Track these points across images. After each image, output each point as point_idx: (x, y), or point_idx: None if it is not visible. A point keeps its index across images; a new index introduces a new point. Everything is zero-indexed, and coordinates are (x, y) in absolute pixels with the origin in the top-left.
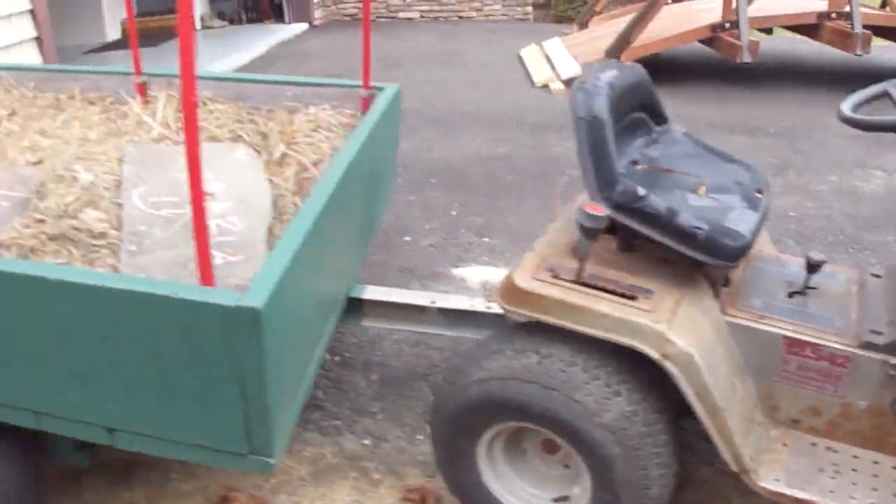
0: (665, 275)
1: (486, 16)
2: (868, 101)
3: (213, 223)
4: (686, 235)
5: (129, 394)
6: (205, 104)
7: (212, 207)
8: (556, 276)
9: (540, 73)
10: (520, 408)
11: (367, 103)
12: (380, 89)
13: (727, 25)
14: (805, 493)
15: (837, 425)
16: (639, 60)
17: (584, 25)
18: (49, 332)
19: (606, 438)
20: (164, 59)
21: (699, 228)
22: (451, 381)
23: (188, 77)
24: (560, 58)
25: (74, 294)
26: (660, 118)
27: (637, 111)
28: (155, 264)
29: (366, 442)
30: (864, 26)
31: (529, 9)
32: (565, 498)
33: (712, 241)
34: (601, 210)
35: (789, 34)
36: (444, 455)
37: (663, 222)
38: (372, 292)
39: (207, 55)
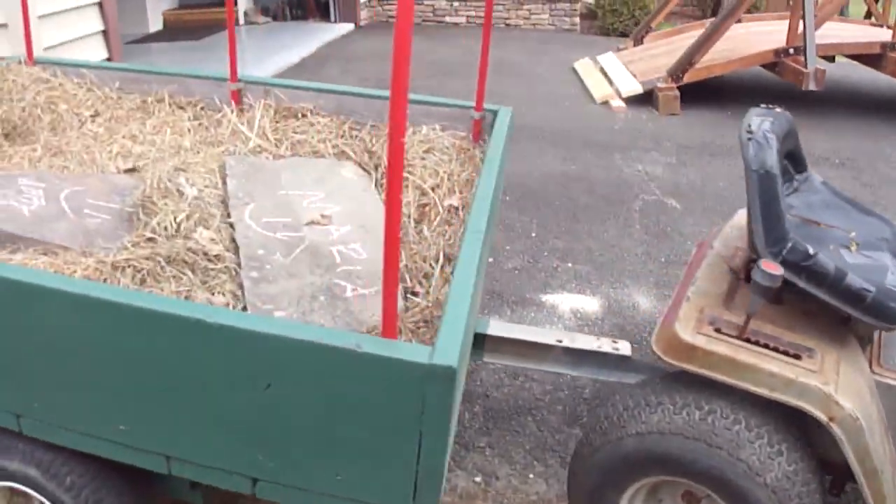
0: (819, 330)
1: (532, 24)
2: None
3: (334, 249)
4: (855, 297)
5: (285, 445)
6: (304, 116)
7: (331, 232)
8: (718, 331)
9: (599, 88)
10: (682, 464)
11: (478, 125)
12: (493, 112)
13: (791, 51)
14: None
15: None
16: (702, 82)
17: (638, 41)
18: (198, 376)
19: (768, 498)
20: (209, 53)
21: (868, 290)
22: (602, 431)
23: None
24: (618, 74)
25: (235, 338)
26: (801, 166)
27: (784, 159)
28: (282, 295)
29: (477, 479)
30: None
31: (577, 19)
32: None
33: (879, 304)
34: (778, 269)
35: (847, 61)
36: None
37: (831, 282)
38: (495, 328)
39: (253, 53)
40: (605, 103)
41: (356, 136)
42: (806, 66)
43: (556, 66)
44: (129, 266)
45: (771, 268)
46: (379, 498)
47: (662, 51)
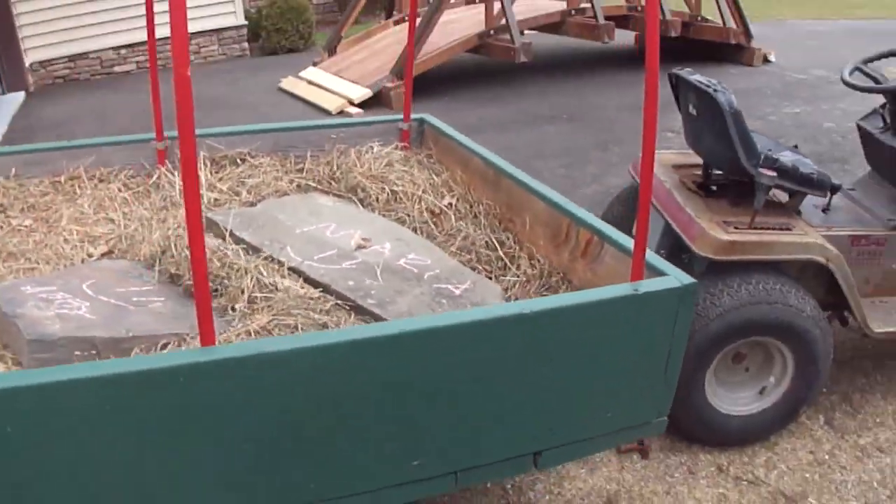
0: (779, 213)
1: (204, 58)
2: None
3: (402, 263)
4: (807, 180)
5: (568, 406)
6: (244, 160)
7: (380, 252)
8: (737, 228)
9: (328, 100)
10: (755, 325)
11: (406, 135)
12: (419, 121)
13: (492, 32)
14: (887, 325)
15: (888, 283)
16: (424, 73)
17: (332, 52)
18: (502, 370)
19: (810, 325)
20: None
21: (812, 173)
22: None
23: None
24: (336, 83)
25: (539, 322)
26: None
27: None
28: (412, 309)
29: None
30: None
31: (246, 44)
32: (763, 388)
33: (820, 181)
34: (773, 173)
35: (534, 33)
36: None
37: (792, 173)
38: None
39: None
40: (342, 112)
41: (304, 169)
42: (513, 43)
43: (262, 92)
44: (275, 327)
45: (768, 172)
46: (639, 418)
47: (366, 54)
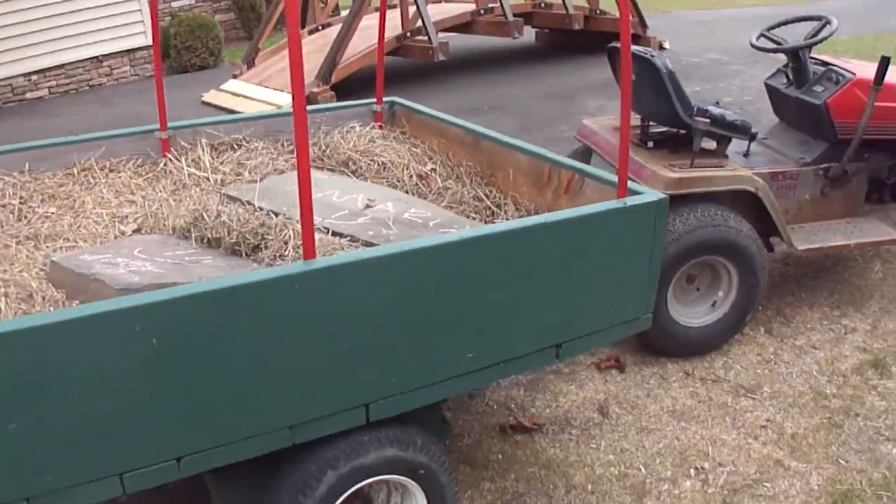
0: (711, 156)
1: (116, 80)
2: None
3: (407, 216)
4: (732, 125)
5: (585, 302)
6: (240, 146)
7: (386, 209)
8: (681, 167)
9: (257, 109)
10: (706, 245)
11: (380, 116)
12: (390, 103)
13: (408, 34)
14: (809, 243)
15: (803, 212)
16: (348, 77)
17: (251, 64)
18: (511, 275)
19: (749, 242)
20: None
21: (737, 120)
22: None
23: None
24: (263, 93)
25: (561, 229)
26: None
27: None
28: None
29: None
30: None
31: (150, 66)
32: (714, 302)
33: (745, 126)
34: (707, 120)
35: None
36: None
37: (721, 120)
38: None
39: None
40: None
41: (291, 151)
42: (431, 43)
43: (187, 106)
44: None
45: (703, 119)
46: (631, 313)
47: (286, 64)
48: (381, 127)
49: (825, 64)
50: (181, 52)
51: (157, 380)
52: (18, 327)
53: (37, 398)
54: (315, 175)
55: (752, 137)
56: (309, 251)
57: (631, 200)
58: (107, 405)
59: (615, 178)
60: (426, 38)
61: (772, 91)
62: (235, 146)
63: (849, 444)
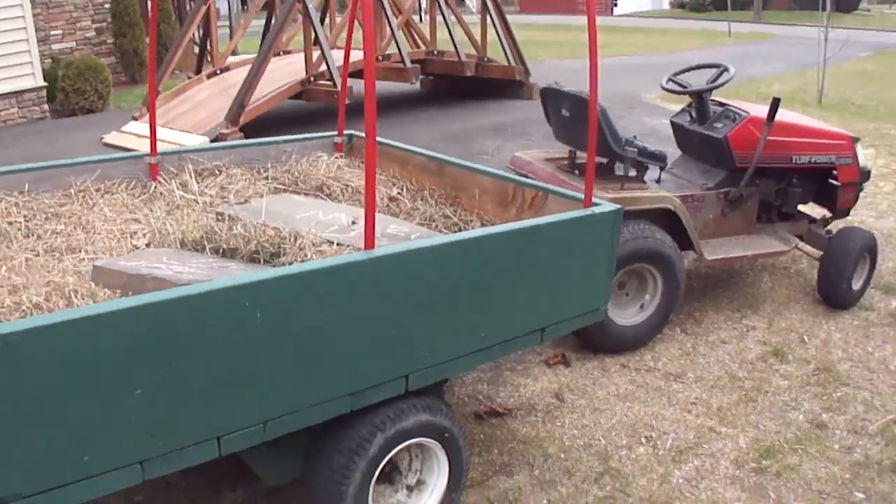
0: (633, 181)
1: (4, 122)
2: (673, 79)
3: (390, 231)
4: (652, 155)
5: (556, 294)
6: (220, 172)
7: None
8: (613, 190)
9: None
10: (634, 254)
11: (340, 147)
12: (349, 136)
13: (312, 79)
14: (715, 255)
15: (707, 229)
16: (255, 119)
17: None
18: (503, 270)
19: (671, 252)
20: None
21: (657, 151)
22: None
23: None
24: (170, 134)
25: (531, 233)
26: None
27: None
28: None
29: None
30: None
31: (46, 106)
32: (642, 304)
33: (663, 155)
34: (634, 150)
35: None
36: None
37: (643, 151)
38: None
39: None
40: None
41: (269, 176)
42: (335, 86)
43: (88, 147)
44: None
45: (631, 149)
46: (595, 303)
47: (188, 107)
48: (342, 157)
49: (721, 104)
50: (69, 94)
51: (258, 351)
52: (151, 301)
53: (161, 366)
54: (294, 198)
55: (664, 166)
56: (370, 242)
57: (595, 210)
58: (216, 372)
59: (573, 195)
60: (330, 82)
61: (677, 127)
62: (217, 171)
63: (764, 413)
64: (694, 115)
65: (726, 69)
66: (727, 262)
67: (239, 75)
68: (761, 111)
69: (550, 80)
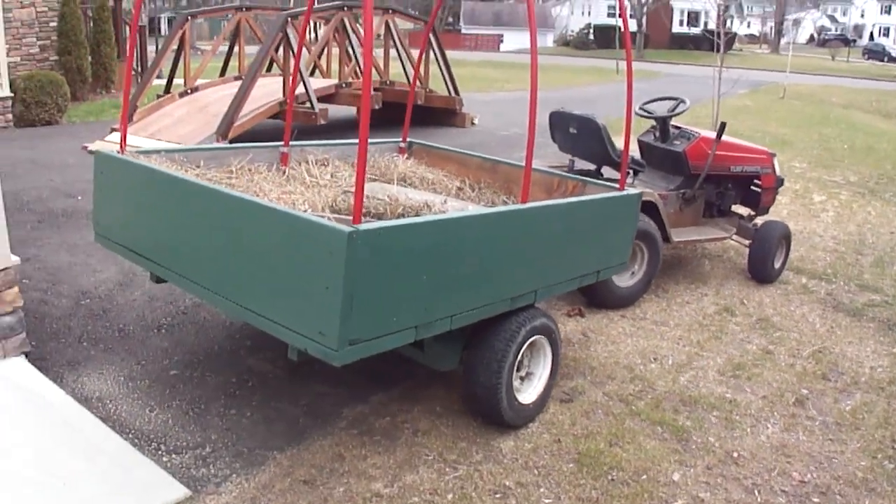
0: (617, 181)
1: None
2: (643, 108)
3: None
4: (640, 163)
5: (599, 251)
6: (326, 164)
7: (456, 204)
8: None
9: None
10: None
11: (404, 151)
12: (409, 143)
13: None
14: (678, 238)
15: (669, 220)
16: (245, 133)
17: (129, 119)
18: (557, 234)
19: (655, 231)
20: None
21: (638, 160)
22: None
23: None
24: (159, 145)
25: (583, 207)
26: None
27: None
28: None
29: None
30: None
31: (11, 116)
32: (633, 272)
33: (642, 163)
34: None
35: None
36: None
37: (634, 160)
38: None
39: None
40: None
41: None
42: (314, 109)
43: (73, 155)
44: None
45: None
46: (623, 258)
47: (171, 121)
48: (407, 157)
49: (678, 127)
50: (31, 106)
51: (476, 260)
52: (443, 218)
53: (436, 261)
54: (387, 186)
55: (641, 171)
56: (525, 197)
57: (628, 192)
58: (458, 270)
59: (605, 183)
60: (308, 104)
61: (643, 144)
62: (325, 163)
63: (729, 345)
64: (658, 134)
65: (683, 101)
66: (687, 244)
67: (210, 95)
68: (709, 133)
69: (473, 111)
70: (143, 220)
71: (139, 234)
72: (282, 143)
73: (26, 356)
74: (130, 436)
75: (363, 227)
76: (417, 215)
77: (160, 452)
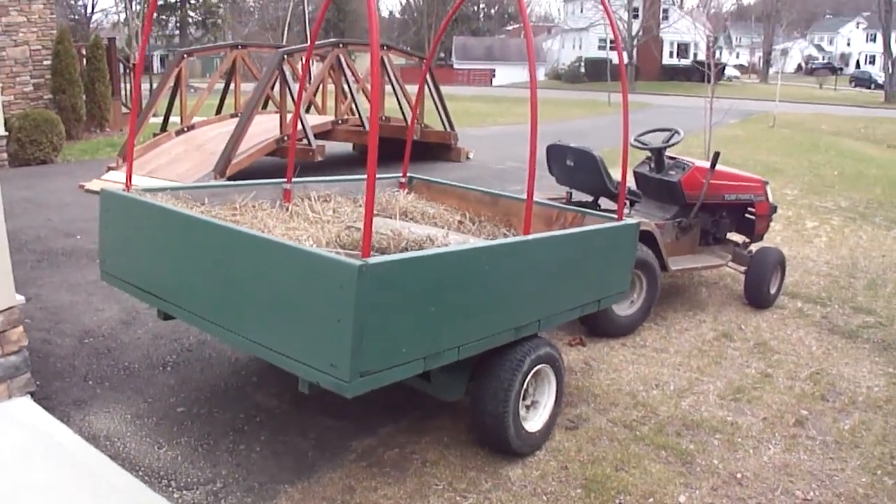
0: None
1: None
2: (638, 139)
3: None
4: (637, 194)
5: (600, 281)
6: (328, 200)
7: (458, 237)
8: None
9: None
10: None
11: (404, 186)
12: (409, 178)
13: (286, 138)
14: (675, 266)
15: (666, 249)
16: (242, 171)
17: (124, 157)
18: (559, 264)
19: (653, 261)
20: None
21: (635, 190)
22: None
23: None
24: (155, 183)
25: (593, 235)
26: None
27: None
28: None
29: None
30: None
31: (5, 155)
32: (632, 301)
33: (639, 194)
34: (633, 186)
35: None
36: None
37: (630, 191)
38: None
39: None
40: None
41: (362, 204)
42: (310, 145)
43: (71, 195)
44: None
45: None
46: (623, 286)
47: (167, 159)
48: (408, 193)
49: (672, 158)
50: (26, 145)
51: (480, 291)
52: (449, 250)
53: (444, 292)
54: (388, 221)
55: (637, 202)
56: (527, 230)
57: (626, 222)
58: (464, 301)
59: (603, 214)
60: (306, 141)
61: (638, 175)
62: (327, 199)
63: (728, 370)
64: (653, 165)
65: (677, 132)
66: (684, 272)
67: (206, 133)
68: (703, 162)
69: (467, 146)
70: (150, 258)
71: (147, 272)
72: (284, 179)
73: (31, 396)
74: (140, 473)
75: (372, 260)
76: (420, 249)
77: (171, 489)
